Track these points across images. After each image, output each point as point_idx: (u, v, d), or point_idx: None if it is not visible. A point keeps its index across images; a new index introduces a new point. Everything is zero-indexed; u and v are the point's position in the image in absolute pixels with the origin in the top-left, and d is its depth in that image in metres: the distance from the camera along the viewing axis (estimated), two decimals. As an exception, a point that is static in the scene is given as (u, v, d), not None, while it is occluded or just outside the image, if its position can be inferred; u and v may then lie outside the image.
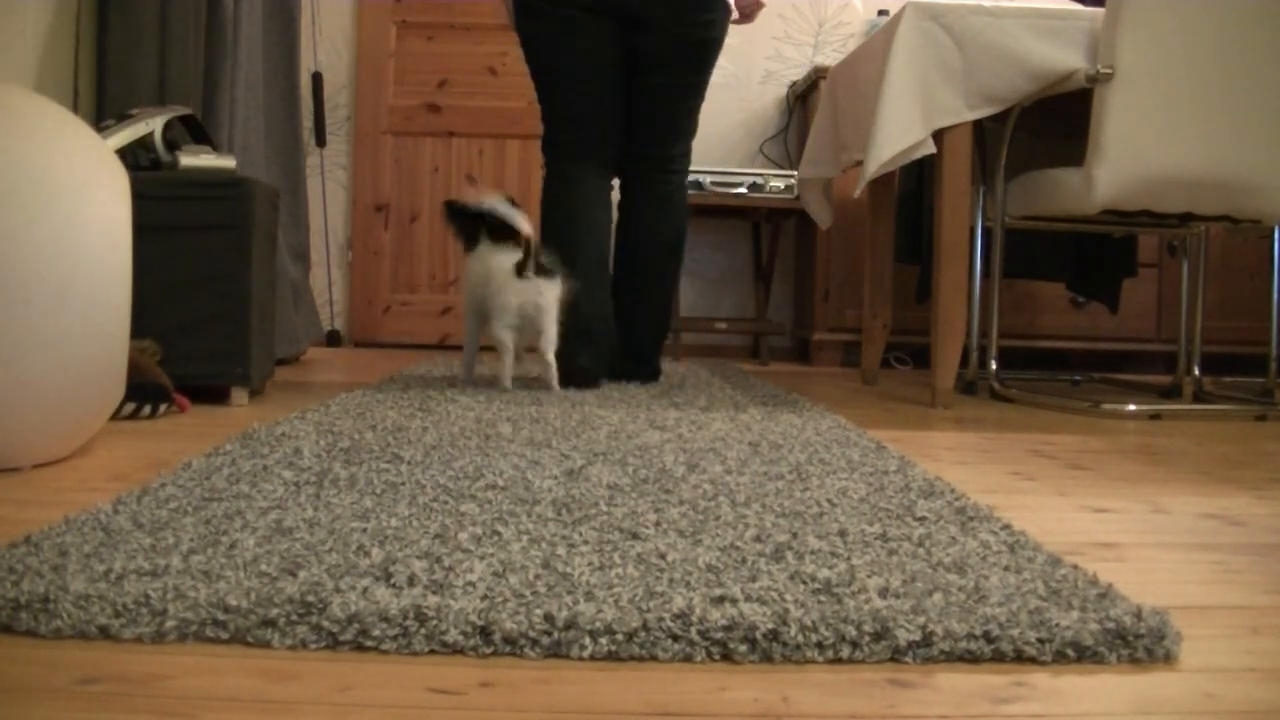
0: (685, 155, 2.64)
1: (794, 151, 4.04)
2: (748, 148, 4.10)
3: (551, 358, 2.28)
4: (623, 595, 0.78)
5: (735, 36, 2.87)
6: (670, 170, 2.61)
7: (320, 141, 4.02)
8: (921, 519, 1.08)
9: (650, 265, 2.60)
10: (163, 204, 1.91)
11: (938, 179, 2.35)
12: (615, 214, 2.64)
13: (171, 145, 2.06)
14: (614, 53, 2.49)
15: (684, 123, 2.60)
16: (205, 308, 1.94)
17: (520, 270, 2.21)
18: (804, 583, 0.83)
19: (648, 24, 2.44)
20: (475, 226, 2.36)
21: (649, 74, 2.51)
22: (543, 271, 2.23)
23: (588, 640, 0.72)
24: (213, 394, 2.00)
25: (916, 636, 0.73)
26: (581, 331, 2.39)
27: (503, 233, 2.30)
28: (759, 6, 2.67)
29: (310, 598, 0.75)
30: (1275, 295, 2.84)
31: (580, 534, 0.97)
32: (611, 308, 2.54)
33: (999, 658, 0.73)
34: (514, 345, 2.29)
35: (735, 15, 2.60)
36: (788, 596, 0.79)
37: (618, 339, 2.56)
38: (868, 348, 2.94)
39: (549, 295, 2.24)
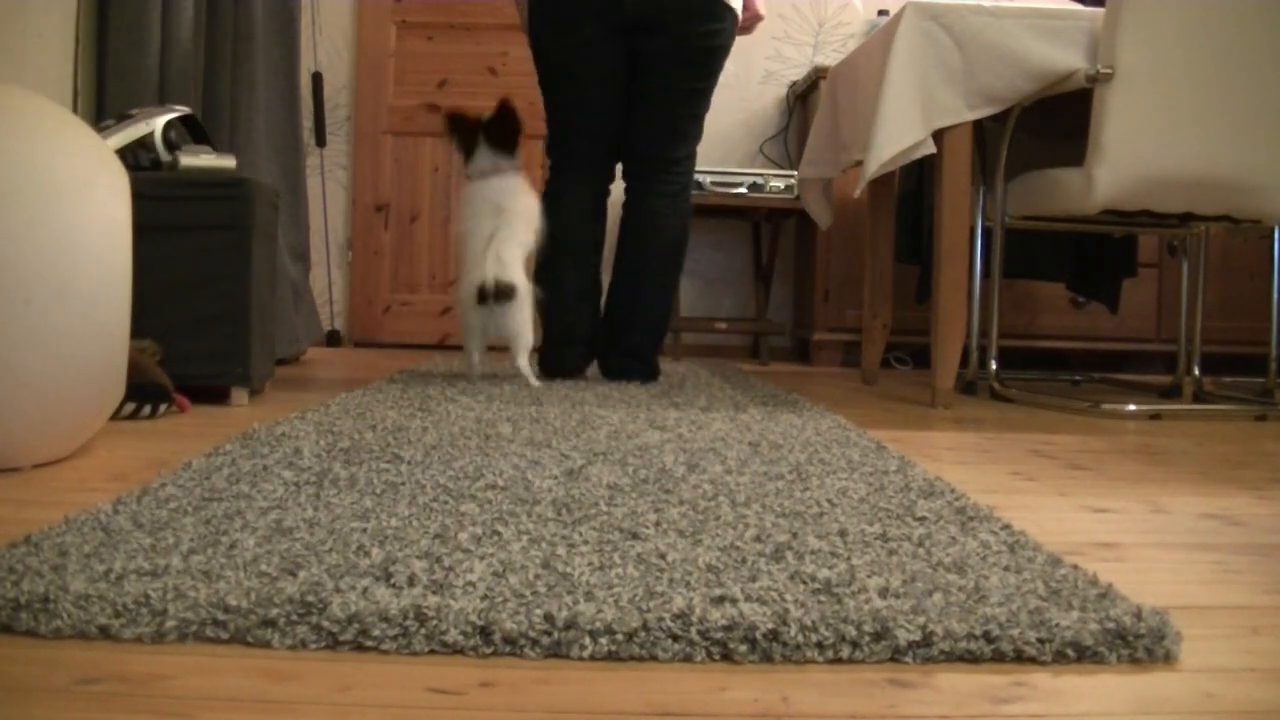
0: (688, 158, 2.65)
1: (794, 151, 4.04)
2: (748, 148, 4.10)
3: (523, 363, 2.40)
4: (623, 595, 0.78)
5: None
6: (673, 172, 2.62)
7: (320, 141, 4.02)
8: (921, 519, 1.08)
9: (650, 264, 2.61)
10: (163, 204, 1.91)
11: (938, 179, 2.35)
12: (620, 212, 2.66)
13: (171, 145, 2.06)
14: (623, 62, 2.53)
15: (685, 126, 2.61)
16: (205, 308, 1.94)
17: (481, 299, 2.30)
18: (804, 583, 0.83)
19: (656, 28, 2.47)
20: (474, 137, 2.48)
21: (651, 75, 2.53)
22: (502, 297, 2.31)
23: (588, 640, 0.72)
24: (213, 394, 2.00)
25: (916, 636, 0.73)
26: (565, 337, 2.58)
27: (501, 140, 2.45)
28: (758, 19, 2.71)
29: (310, 598, 0.74)
30: (1275, 295, 2.84)
31: (580, 534, 0.97)
32: (596, 314, 2.63)
33: (999, 658, 0.73)
34: (480, 345, 2.46)
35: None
36: (788, 596, 0.79)
37: (617, 335, 2.61)
38: (868, 348, 2.94)
39: (509, 319, 2.34)
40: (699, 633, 0.73)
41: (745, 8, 2.62)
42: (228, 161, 2.07)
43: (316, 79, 3.99)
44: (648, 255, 2.61)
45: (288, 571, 0.82)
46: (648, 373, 2.62)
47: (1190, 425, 2.18)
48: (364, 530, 0.96)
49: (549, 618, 0.73)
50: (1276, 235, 2.84)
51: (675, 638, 0.73)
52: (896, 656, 0.73)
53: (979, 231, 2.61)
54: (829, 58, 4.04)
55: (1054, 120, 2.60)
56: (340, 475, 1.22)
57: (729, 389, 2.45)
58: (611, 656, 0.72)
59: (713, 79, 2.58)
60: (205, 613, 0.73)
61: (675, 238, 2.62)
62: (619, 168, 2.68)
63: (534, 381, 2.40)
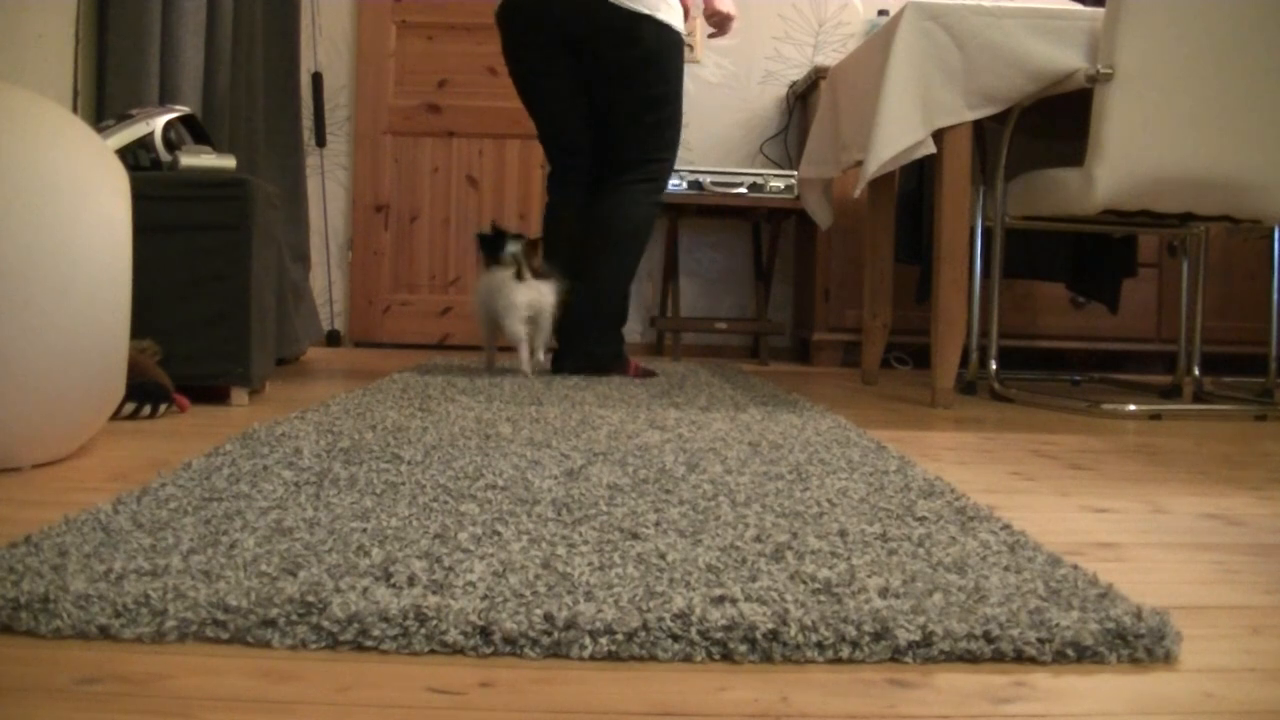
0: (662, 161, 2.70)
1: (794, 151, 4.04)
2: (748, 148, 4.10)
3: (542, 354, 2.60)
4: (623, 595, 0.78)
5: (735, 36, 2.89)
6: (645, 171, 2.68)
7: (320, 141, 4.02)
8: (921, 519, 1.08)
9: (606, 251, 2.64)
10: (163, 204, 1.91)
11: (938, 179, 2.35)
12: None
13: (171, 145, 2.06)
14: (580, 78, 2.64)
15: (651, 134, 2.67)
16: (205, 308, 1.94)
17: (519, 276, 2.50)
18: (804, 583, 0.83)
19: (586, 50, 2.58)
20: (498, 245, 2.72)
21: (604, 89, 2.64)
22: (540, 275, 2.53)
23: (588, 640, 0.72)
24: (213, 394, 2.00)
25: (916, 636, 0.73)
26: (565, 349, 2.68)
27: (494, 254, 2.66)
28: (728, 20, 2.77)
29: (310, 598, 0.74)
30: (1275, 295, 2.84)
31: (580, 534, 0.97)
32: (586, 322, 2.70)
33: (999, 658, 0.73)
34: (528, 337, 2.58)
35: (710, 30, 2.76)
36: (788, 596, 0.79)
37: (571, 330, 2.68)
38: (868, 348, 2.94)
39: (548, 295, 2.54)
40: (699, 633, 0.73)
41: (706, 7, 2.68)
42: (228, 161, 2.07)
43: (316, 79, 3.99)
44: (605, 242, 2.65)
45: (288, 571, 0.82)
46: (596, 366, 2.63)
47: (1190, 425, 2.18)
48: (364, 530, 0.96)
49: (549, 618, 0.73)
50: (1276, 235, 2.84)
51: (675, 638, 0.73)
52: (896, 656, 0.73)
53: (979, 231, 2.61)
54: (829, 58, 4.04)
55: (1054, 120, 2.60)
56: (340, 475, 1.22)
57: (729, 389, 2.45)
58: (611, 656, 0.72)
59: (665, 85, 2.62)
60: (205, 613, 0.73)
61: (635, 225, 2.65)
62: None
63: (541, 369, 2.57)
